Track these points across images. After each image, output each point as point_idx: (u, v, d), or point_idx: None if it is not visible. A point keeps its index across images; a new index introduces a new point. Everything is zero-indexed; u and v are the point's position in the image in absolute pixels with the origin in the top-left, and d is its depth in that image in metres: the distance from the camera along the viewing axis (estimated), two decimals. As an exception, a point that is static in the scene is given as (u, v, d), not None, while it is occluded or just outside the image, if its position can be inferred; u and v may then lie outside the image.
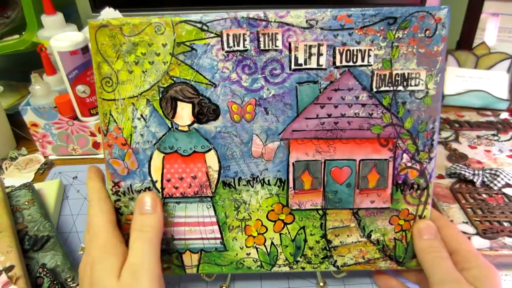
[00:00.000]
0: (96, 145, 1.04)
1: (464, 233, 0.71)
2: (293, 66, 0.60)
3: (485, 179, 0.82)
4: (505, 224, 0.72)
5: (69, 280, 0.68)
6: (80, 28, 1.08)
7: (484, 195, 0.79)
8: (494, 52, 1.23)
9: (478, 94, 1.18)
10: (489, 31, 1.27)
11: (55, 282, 0.67)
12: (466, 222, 0.73)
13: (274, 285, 0.73)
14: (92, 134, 1.02)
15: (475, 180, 0.82)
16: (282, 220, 0.67)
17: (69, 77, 0.94)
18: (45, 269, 0.68)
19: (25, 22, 1.06)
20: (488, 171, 0.83)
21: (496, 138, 0.97)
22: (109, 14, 0.96)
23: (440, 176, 0.85)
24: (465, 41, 1.30)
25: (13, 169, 1.02)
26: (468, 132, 0.99)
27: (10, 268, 0.65)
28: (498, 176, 0.81)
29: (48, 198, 0.89)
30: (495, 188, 0.80)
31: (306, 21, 0.58)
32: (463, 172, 0.83)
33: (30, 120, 0.99)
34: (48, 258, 0.71)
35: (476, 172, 0.83)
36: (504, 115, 1.05)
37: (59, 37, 0.93)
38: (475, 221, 0.73)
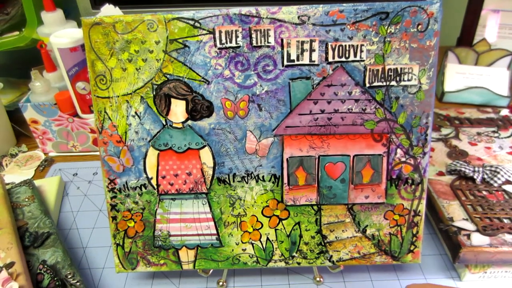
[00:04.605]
0: (96, 142, 1.05)
1: (464, 230, 0.71)
2: (285, 62, 0.60)
3: (485, 176, 0.81)
4: (505, 220, 0.72)
5: (69, 276, 0.68)
6: (80, 24, 1.08)
7: (484, 192, 0.79)
8: (494, 48, 1.22)
9: (479, 91, 1.17)
10: (490, 28, 1.26)
11: (55, 278, 0.67)
12: (466, 219, 0.73)
13: (273, 280, 0.73)
14: (92, 131, 1.02)
15: (475, 177, 0.81)
16: (277, 216, 0.67)
17: (69, 73, 0.94)
18: (46, 266, 0.69)
19: (25, 19, 1.06)
20: (488, 168, 0.82)
21: (496, 135, 0.96)
22: (109, 10, 0.96)
23: (441, 173, 0.85)
24: (466, 37, 1.29)
25: (13, 166, 1.02)
26: (469, 129, 0.98)
27: (11, 264, 0.66)
28: (498, 173, 0.81)
29: (48, 195, 0.89)
30: (495, 185, 0.80)
31: (298, 17, 0.58)
32: (463, 169, 0.82)
33: (30, 117, 1.00)
34: (48, 255, 0.72)
35: (476, 169, 0.82)
36: (505, 112, 1.04)
37: (59, 33, 0.94)
38: (475, 218, 0.73)
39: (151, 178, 0.66)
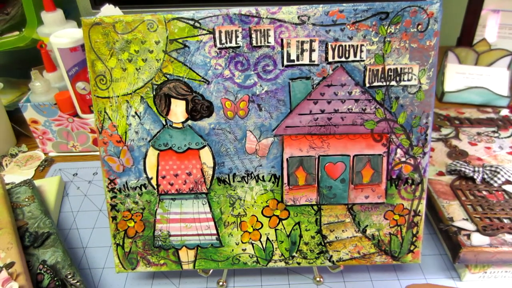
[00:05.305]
0: (96, 142, 1.05)
1: (464, 230, 0.71)
2: (285, 62, 0.60)
3: (485, 176, 0.81)
4: (505, 220, 0.72)
5: (69, 276, 0.68)
6: (80, 24, 1.08)
7: (484, 192, 0.79)
8: (494, 48, 1.22)
9: (479, 91, 1.18)
10: (490, 28, 1.27)
11: (55, 278, 0.67)
12: (466, 219, 0.73)
13: (273, 280, 0.73)
14: (92, 131, 1.02)
15: (475, 177, 0.81)
16: (277, 216, 0.67)
17: (69, 74, 0.94)
18: (46, 266, 0.69)
19: (25, 19, 1.07)
20: (488, 168, 0.82)
21: (496, 135, 0.96)
22: (109, 10, 0.96)
23: (441, 173, 0.85)
24: (466, 37, 1.29)
25: (13, 166, 1.02)
26: (469, 129, 0.98)
27: (11, 264, 0.66)
28: (498, 173, 0.81)
29: (48, 195, 0.89)
30: (495, 185, 0.80)
31: (298, 17, 0.58)
32: (463, 169, 0.82)
33: (30, 117, 1.00)
34: (48, 255, 0.72)
35: (476, 169, 0.82)
36: (505, 112, 1.04)
37: (59, 33, 0.94)
38: (475, 218, 0.73)
39: (151, 178, 0.66)
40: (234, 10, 0.58)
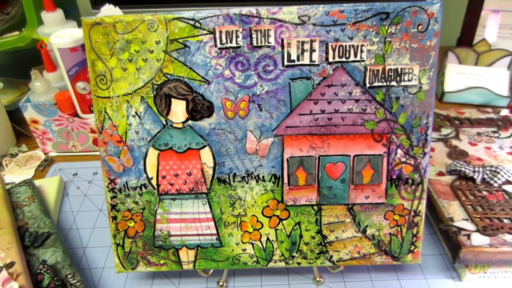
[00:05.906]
0: (96, 142, 1.05)
1: (464, 230, 0.71)
2: (286, 62, 0.60)
3: (485, 176, 0.81)
4: (505, 221, 0.72)
5: (69, 276, 0.68)
6: (80, 24, 1.08)
7: (484, 192, 0.79)
8: (494, 49, 1.22)
9: (479, 91, 1.18)
10: (490, 28, 1.27)
11: (55, 278, 0.67)
12: (466, 219, 0.73)
13: (273, 280, 0.73)
14: (93, 131, 1.02)
15: (475, 177, 0.81)
16: (278, 216, 0.67)
17: (69, 73, 0.94)
18: (46, 266, 0.69)
19: (25, 19, 1.07)
20: (488, 168, 0.82)
21: (496, 135, 0.96)
22: (109, 10, 0.96)
23: (441, 173, 0.85)
24: (466, 37, 1.29)
25: (13, 166, 1.02)
26: (469, 129, 0.98)
27: (11, 264, 0.66)
28: (498, 173, 0.81)
29: (48, 194, 0.89)
30: (495, 185, 0.80)
31: (299, 17, 0.58)
32: (463, 169, 0.82)
33: (30, 117, 1.00)
34: (48, 255, 0.72)
35: (477, 169, 0.82)
36: (505, 112, 1.04)
37: (59, 33, 0.94)
38: (475, 218, 0.73)
39: (151, 178, 0.66)
40: (234, 10, 0.58)
